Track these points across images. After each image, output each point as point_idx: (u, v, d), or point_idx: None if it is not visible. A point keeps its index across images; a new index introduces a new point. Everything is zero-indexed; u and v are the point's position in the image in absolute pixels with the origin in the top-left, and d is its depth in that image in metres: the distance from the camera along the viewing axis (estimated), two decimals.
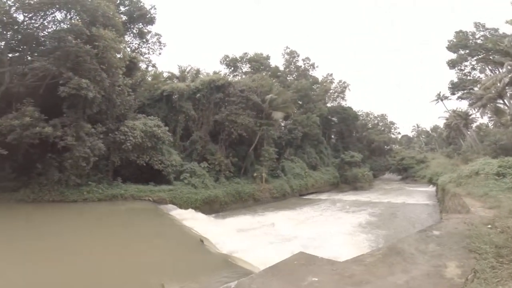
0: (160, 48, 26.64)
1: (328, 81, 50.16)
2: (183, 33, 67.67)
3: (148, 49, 25.86)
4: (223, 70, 38.58)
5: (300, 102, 40.80)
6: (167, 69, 31.95)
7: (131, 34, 23.59)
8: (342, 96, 51.92)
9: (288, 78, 43.53)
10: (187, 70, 31.44)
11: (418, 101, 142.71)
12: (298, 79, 43.00)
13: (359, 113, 55.92)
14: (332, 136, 52.06)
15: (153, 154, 20.14)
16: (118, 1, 20.66)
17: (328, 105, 49.37)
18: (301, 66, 46.82)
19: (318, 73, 51.46)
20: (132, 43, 23.04)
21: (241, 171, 28.11)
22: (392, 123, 65.21)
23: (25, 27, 15.78)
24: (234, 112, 26.38)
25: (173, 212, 17.24)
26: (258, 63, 39.47)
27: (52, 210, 14.45)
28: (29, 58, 16.43)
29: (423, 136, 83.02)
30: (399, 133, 69.71)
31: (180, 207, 18.87)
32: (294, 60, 46.24)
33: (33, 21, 15.87)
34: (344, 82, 51.84)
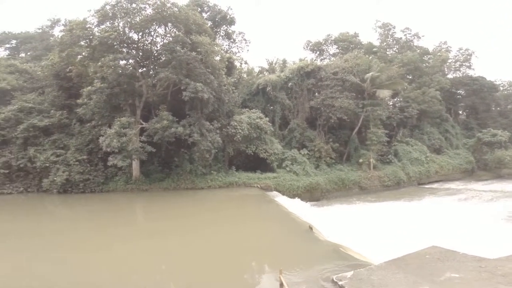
0: (247, 45, 28.29)
1: (443, 50, 41.09)
2: (255, 25, 69.19)
3: (237, 48, 27.91)
4: (309, 55, 37.88)
5: (410, 77, 35.19)
6: (253, 63, 33.59)
7: (220, 37, 25.90)
8: (468, 65, 41.69)
9: (388, 53, 38.16)
10: (274, 62, 32.33)
11: None
12: (401, 52, 37.08)
13: (498, 83, 43.52)
14: (460, 112, 42.76)
15: (258, 143, 22.16)
16: (199, 9, 22.84)
17: (450, 76, 40.55)
18: (401, 38, 40.18)
19: (426, 43, 42.69)
20: (223, 45, 25.29)
21: (344, 157, 26.94)
22: None
23: (141, 44, 19.49)
24: (330, 96, 25.72)
25: (278, 199, 18.43)
26: (346, 42, 36.54)
27: (187, 196, 18.06)
28: (151, 72, 20.23)
29: None
30: None
31: (283, 193, 20.06)
32: (390, 33, 40.10)
33: (144, 38, 19.44)
34: (467, 50, 41.72)
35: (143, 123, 18.25)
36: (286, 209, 15.54)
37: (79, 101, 18.51)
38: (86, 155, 18.86)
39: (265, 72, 31.75)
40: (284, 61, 32.57)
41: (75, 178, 17.79)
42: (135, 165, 19.03)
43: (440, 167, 30.18)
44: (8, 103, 20.15)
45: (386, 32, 40.48)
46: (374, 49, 36.17)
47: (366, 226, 13.07)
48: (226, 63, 21.68)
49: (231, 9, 25.33)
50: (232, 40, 27.16)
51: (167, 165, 20.58)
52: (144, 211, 16.04)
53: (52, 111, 19.94)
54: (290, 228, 12.43)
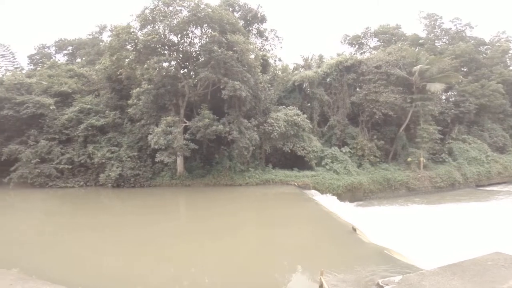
0: (279, 42, 28.33)
1: (503, 39, 36.36)
2: (288, 22, 67.42)
3: (270, 46, 28.09)
4: (347, 50, 36.63)
5: (465, 69, 32.00)
6: (287, 60, 33.25)
7: (252, 36, 26.23)
8: None
9: (437, 45, 35.11)
10: (310, 58, 31.88)
11: None
12: (452, 43, 33.82)
13: None
14: None
15: (295, 141, 22.15)
16: (231, 9, 23.20)
17: None
18: (450, 28, 36.51)
19: (480, 33, 37.98)
20: (256, 43, 25.55)
21: (390, 155, 25.63)
22: None
23: (181, 46, 20.44)
24: (373, 90, 24.73)
25: (317, 197, 18.28)
26: (388, 34, 34.47)
27: (226, 193, 18.81)
28: (191, 73, 21.23)
29: None
30: None
31: (322, 192, 19.83)
32: (437, 23, 36.68)
33: (183, 40, 20.33)
34: None
35: (186, 121, 19.42)
36: (326, 208, 15.36)
37: (130, 101, 20.35)
38: (137, 152, 20.74)
39: (300, 69, 31.50)
40: (321, 57, 32.03)
41: (127, 173, 19.69)
42: (180, 161, 20.37)
43: (504, 168, 27.05)
44: (70, 105, 22.91)
45: (432, 22, 37.45)
46: (421, 41, 33.72)
47: (415, 229, 12.42)
48: (261, 61, 22.00)
49: (261, 7, 25.57)
50: (264, 38, 27.45)
51: (208, 162, 21.67)
52: (187, 208, 17.14)
53: (106, 111, 22.24)
54: (331, 228, 12.29)
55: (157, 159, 18.64)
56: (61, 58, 37.06)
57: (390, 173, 23.37)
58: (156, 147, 17.89)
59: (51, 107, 21.31)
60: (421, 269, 6.98)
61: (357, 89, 26.50)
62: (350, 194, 21.15)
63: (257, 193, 19.02)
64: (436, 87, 23.39)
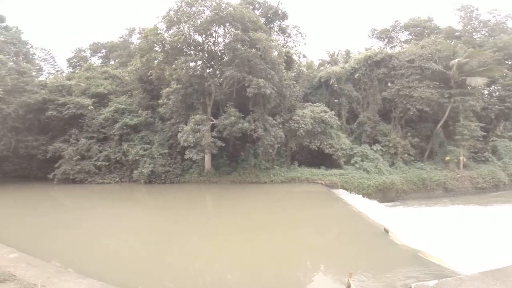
0: (303, 39, 27.99)
1: None
2: (311, 18, 65.41)
3: (293, 42, 27.87)
4: (375, 44, 35.22)
5: (510, 62, 29.36)
6: (312, 56, 32.52)
7: (274, 33, 26.09)
8: None
9: (475, 37, 32.56)
10: (336, 53, 31.18)
11: None
12: (493, 36, 31.12)
13: None
14: None
15: (323, 138, 21.88)
16: (251, 7, 23.18)
17: None
18: (489, 20, 33.51)
19: None
20: (279, 40, 25.42)
21: (425, 154, 24.40)
22: None
23: (206, 46, 20.91)
24: (407, 85, 23.77)
25: (346, 197, 17.94)
26: (419, 27, 32.58)
27: (251, 190, 19.13)
28: (217, 72, 21.54)
29: None
30: None
31: (351, 192, 19.42)
32: (474, 15, 33.85)
33: (207, 40, 20.79)
34: None
35: (213, 119, 19.97)
36: (356, 208, 15.06)
37: (160, 101, 21.34)
38: (167, 150, 21.73)
39: (326, 65, 31.05)
40: (348, 52, 31.27)
41: (158, 169, 20.73)
42: (207, 158, 21.03)
43: None
44: (106, 105, 24.53)
45: (468, 14, 34.81)
46: (457, 33, 31.58)
47: (453, 232, 11.76)
48: (285, 57, 21.91)
49: (281, 3, 25.41)
50: (287, 34, 27.28)
51: (234, 159, 22.13)
52: (213, 204, 17.67)
53: (139, 111, 23.54)
54: (361, 229, 12.05)
55: (186, 156, 19.42)
56: (96, 61, 39.63)
57: (426, 172, 22.23)
58: (185, 144, 18.64)
59: (89, 108, 22.99)
60: (459, 274, 6.69)
61: (389, 84, 25.48)
62: (381, 194, 20.46)
63: (282, 191, 19.08)
64: (477, 81, 21.82)
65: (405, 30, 34.20)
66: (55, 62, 33.03)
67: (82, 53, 40.35)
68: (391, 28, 34.55)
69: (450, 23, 37.50)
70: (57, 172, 20.82)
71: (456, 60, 22.10)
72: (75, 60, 38.38)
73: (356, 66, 25.68)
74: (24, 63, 23.63)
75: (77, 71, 32.58)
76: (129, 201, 18.06)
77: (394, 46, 34.37)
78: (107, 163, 21.99)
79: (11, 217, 12.92)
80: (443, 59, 23.45)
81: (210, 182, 20.76)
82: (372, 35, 35.45)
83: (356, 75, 25.58)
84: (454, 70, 22.36)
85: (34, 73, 24.40)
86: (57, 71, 32.48)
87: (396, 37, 34.97)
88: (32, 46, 27.01)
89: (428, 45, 24.71)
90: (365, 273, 7.61)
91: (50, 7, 65.83)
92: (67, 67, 37.85)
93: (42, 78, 28.17)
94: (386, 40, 35.23)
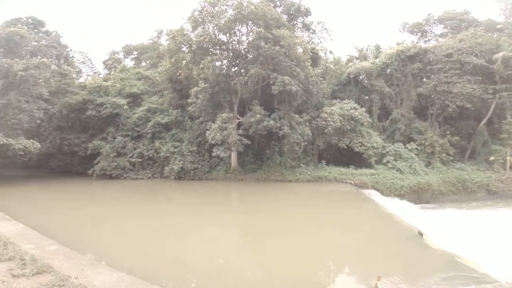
0: (328, 35, 27.32)
1: None
2: (338, 14, 62.79)
3: (318, 39, 27.35)
4: (407, 38, 33.60)
5: None
6: (339, 52, 31.54)
7: (298, 29, 25.66)
8: None
9: None
10: (365, 48, 30.16)
11: None
12: None
13: None
14: None
15: (352, 136, 21.34)
16: (272, 5, 22.92)
17: None
18: None
19: None
20: (303, 37, 25.01)
21: (466, 153, 22.85)
22: None
23: (230, 45, 21.15)
24: (445, 81, 22.58)
25: (376, 198, 17.35)
26: (456, 20, 30.22)
27: (276, 189, 19.13)
28: (242, 70, 21.76)
29: None
30: None
31: (383, 193, 18.74)
32: None
33: (231, 39, 21.00)
34: None
35: (239, 117, 20.30)
36: (387, 210, 14.53)
37: (189, 100, 22.11)
38: (196, 147, 22.53)
39: (355, 60, 30.21)
40: (377, 47, 30.16)
41: (187, 166, 21.55)
42: (234, 156, 21.46)
43: None
44: (139, 104, 25.95)
45: (509, 6, 31.87)
46: (498, 26, 29.10)
47: (495, 237, 10.92)
48: (310, 54, 21.60)
49: None
50: (311, 31, 26.84)
51: (259, 157, 22.33)
52: (239, 201, 18.00)
53: (170, 110, 24.62)
54: (392, 231, 11.63)
55: (214, 154, 19.97)
56: (128, 62, 41.91)
57: (467, 173, 20.86)
58: (213, 142, 19.17)
59: (124, 107, 24.48)
60: (499, 281, 6.28)
61: (424, 79, 24.45)
62: (416, 195, 19.51)
63: (308, 190, 18.91)
64: None
65: (439, 24, 32.47)
66: (92, 64, 35.26)
67: (116, 55, 42.81)
68: (424, 22, 32.93)
69: (489, 15, 34.65)
70: (95, 168, 22.42)
71: (501, 54, 20.77)
72: (110, 62, 40.82)
73: (387, 61, 24.83)
74: (65, 66, 25.56)
75: (112, 72, 34.73)
76: (161, 197, 19.03)
77: (429, 40, 32.85)
78: (141, 160, 23.27)
79: (55, 210, 14.07)
80: (485, 53, 22.07)
81: (236, 179, 21.15)
82: (404, 29, 34.00)
83: (388, 70, 24.70)
84: (499, 64, 20.92)
85: (74, 75, 26.47)
86: (94, 72, 34.72)
87: (430, 31, 33.31)
88: (71, 50, 29.04)
89: (467, 39, 23.38)
90: (395, 277, 7.37)
91: (80, 10, 70.52)
92: (103, 69, 40.38)
93: (81, 79, 30.31)
94: (419, 34, 33.66)
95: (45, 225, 9.92)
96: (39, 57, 21.04)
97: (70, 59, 28.93)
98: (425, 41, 32.58)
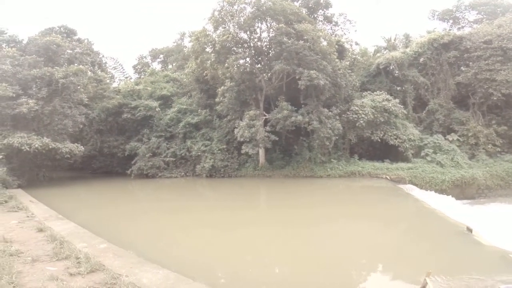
0: (352, 26, 26.34)
1: None
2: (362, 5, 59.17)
3: (342, 31, 26.51)
4: (438, 26, 31.34)
5: None
6: (365, 43, 30.31)
7: (319, 22, 24.90)
8: None
9: None
10: (393, 38, 28.69)
11: None
12: None
13: None
14: None
15: (386, 129, 20.46)
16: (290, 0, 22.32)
17: None
18: None
19: None
20: (326, 30, 24.22)
21: None
22: None
23: (251, 43, 21.14)
24: (486, 68, 21.12)
25: (415, 193, 16.47)
26: (490, 6, 27.58)
27: (307, 185, 18.78)
28: (266, 67, 21.74)
29: None
30: None
31: (421, 188, 17.72)
32: None
33: (252, 36, 21.01)
34: None
35: (266, 114, 20.29)
36: (429, 205, 13.73)
37: (216, 100, 22.52)
38: (225, 145, 22.97)
39: (383, 51, 28.95)
40: (407, 36, 28.77)
41: (218, 164, 22.03)
42: (261, 153, 21.54)
43: None
44: (170, 106, 26.93)
45: None
46: None
47: None
48: (336, 46, 21.04)
49: None
50: (333, 23, 26.00)
51: (287, 153, 22.17)
52: (267, 198, 17.91)
53: (199, 110, 25.28)
54: (437, 228, 10.98)
55: (242, 151, 20.21)
56: (156, 66, 43.66)
57: None
58: (241, 139, 19.40)
59: (156, 109, 25.54)
60: None
61: (462, 68, 23.02)
62: (459, 190, 18.24)
63: (340, 186, 18.45)
64: None
65: (472, 10, 30.02)
66: (123, 69, 37.07)
67: (144, 59, 44.64)
68: (455, 8, 30.61)
69: None
70: (133, 168, 23.67)
71: None
72: (139, 67, 42.73)
73: (419, 50, 23.66)
74: (100, 72, 27.14)
75: (142, 76, 36.27)
76: (193, 193, 19.65)
77: (462, 27, 30.60)
78: (174, 159, 24.17)
79: (99, 208, 14.93)
80: None
81: (264, 176, 21.20)
82: (433, 16, 31.91)
83: (421, 59, 23.44)
84: None
85: (108, 81, 28.00)
86: (126, 77, 36.53)
87: (463, 18, 30.96)
88: (103, 56, 30.64)
89: (506, 24, 21.63)
90: (445, 272, 6.97)
91: (98, 15, 73.52)
92: (134, 73, 42.35)
93: (114, 84, 31.96)
94: (451, 21, 31.42)
95: (92, 223, 10.44)
96: (75, 64, 22.41)
97: (103, 65, 30.58)
98: (458, 28, 30.56)
